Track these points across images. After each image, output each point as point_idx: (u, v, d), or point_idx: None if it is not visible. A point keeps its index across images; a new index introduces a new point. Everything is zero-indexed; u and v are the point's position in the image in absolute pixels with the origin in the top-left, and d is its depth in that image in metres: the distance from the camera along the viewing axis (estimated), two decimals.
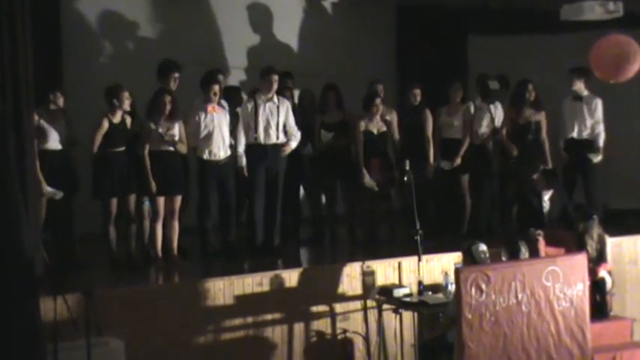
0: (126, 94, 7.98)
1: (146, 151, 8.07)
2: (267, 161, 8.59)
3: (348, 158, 9.18)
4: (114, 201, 7.96)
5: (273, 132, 8.59)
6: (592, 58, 7.74)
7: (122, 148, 8.00)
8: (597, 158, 9.80)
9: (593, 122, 9.83)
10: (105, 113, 7.98)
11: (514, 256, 7.36)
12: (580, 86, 9.80)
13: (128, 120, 8.09)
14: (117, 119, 7.99)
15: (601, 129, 9.84)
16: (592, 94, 9.82)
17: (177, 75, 8.58)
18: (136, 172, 8.06)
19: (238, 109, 8.77)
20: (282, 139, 8.66)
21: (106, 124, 7.91)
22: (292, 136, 8.73)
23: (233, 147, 8.60)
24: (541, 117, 9.60)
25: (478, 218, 9.59)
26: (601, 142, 9.84)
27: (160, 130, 8.08)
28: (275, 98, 8.66)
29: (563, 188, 9.20)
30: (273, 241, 8.72)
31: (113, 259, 8.06)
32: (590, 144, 9.84)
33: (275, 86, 8.63)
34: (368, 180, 8.99)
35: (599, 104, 9.83)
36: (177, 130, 8.20)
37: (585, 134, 9.86)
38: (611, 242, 8.27)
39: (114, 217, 8.00)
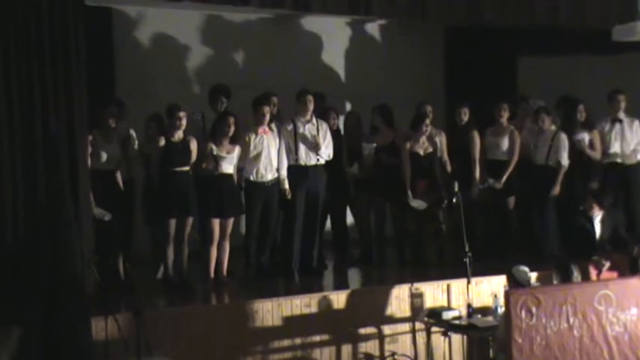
0: (182, 114, 7.94)
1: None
2: (307, 182, 8.59)
3: (397, 179, 9.12)
4: (172, 222, 7.90)
5: (313, 153, 8.59)
6: None
7: (183, 168, 7.96)
8: None
9: (635, 143, 9.70)
10: (162, 132, 8.00)
11: (566, 279, 7.28)
12: (623, 107, 9.70)
13: (193, 142, 8.04)
14: (176, 138, 7.98)
15: None
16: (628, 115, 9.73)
17: (225, 99, 8.69)
18: (196, 193, 8.00)
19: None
20: (322, 160, 8.65)
21: (161, 143, 7.91)
22: (326, 148, 8.65)
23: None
24: (593, 137, 9.48)
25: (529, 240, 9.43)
26: None
27: (216, 152, 8.07)
28: (314, 120, 8.66)
29: (614, 210, 9.06)
30: (312, 262, 8.71)
31: (168, 281, 8.02)
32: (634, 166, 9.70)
33: (310, 107, 8.60)
34: (412, 200, 8.90)
35: (638, 125, 9.72)
36: (236, 154, 8.20)
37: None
38: None
39: (172, 238, 7.94)
